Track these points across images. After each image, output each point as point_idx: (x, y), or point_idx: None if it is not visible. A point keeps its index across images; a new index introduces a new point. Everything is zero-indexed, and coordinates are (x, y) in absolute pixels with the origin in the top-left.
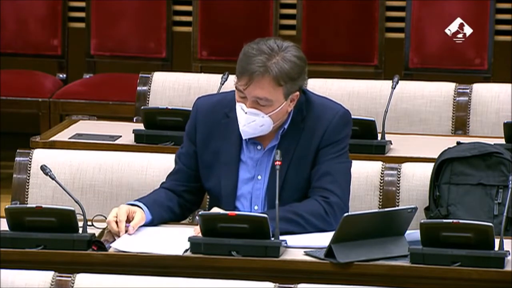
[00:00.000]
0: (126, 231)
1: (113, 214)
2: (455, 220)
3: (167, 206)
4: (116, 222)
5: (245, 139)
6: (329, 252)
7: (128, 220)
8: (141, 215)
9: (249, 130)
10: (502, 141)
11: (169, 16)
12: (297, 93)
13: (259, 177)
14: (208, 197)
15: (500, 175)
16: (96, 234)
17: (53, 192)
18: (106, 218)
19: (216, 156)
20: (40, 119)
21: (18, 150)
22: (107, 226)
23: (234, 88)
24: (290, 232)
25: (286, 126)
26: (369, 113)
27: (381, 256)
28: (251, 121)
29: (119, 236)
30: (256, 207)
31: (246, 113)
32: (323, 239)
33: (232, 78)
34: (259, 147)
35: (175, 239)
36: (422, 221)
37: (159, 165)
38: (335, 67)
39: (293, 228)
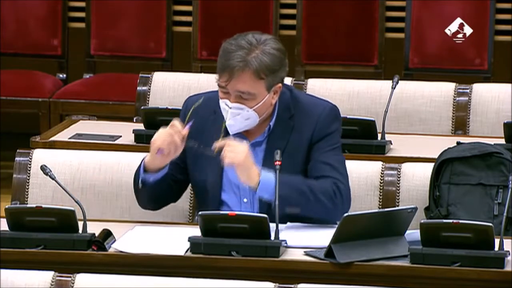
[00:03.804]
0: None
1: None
2: (455, 220)
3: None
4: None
5: (231, 134)
6: (329, 252)
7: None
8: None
9: (235, 124)
10: (502, 141)
11: (169, 16)
12: (280, 84)
13: None
14: (191, 199)
15: (500, 175)
16: (96, 234)
17: (53, 192)
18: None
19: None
20: (40, 119)
21: (18, 150)
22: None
23: None
24: (296, 203)
25: (271, 124)
26: (369, 113)
27: (381, 256)
28: (236, 115)
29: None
30: (245, 200)
31: (230, 108)
32: (323, 239)
33: None
34: (244, 142)
35: (175, 239)
36: (422, 221)
37: None
38: (335, 67)
39: (301, 200)
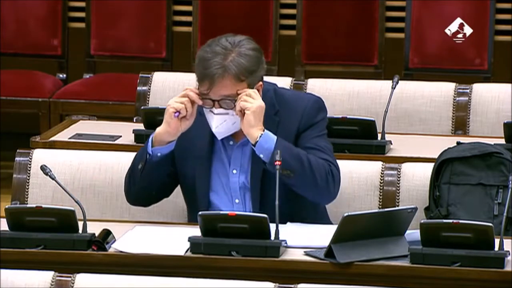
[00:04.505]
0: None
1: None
2: (455, 220)
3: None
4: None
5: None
6: (329, 252)
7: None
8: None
9: (222, 131)
10: (502, 141)
11: (169, 16)
12: (260, 83)
13: (234, 171)
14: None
15: (500, 175)
16: (96, 234)
17: (53, 192)
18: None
19: (190, 150)
20: (40, 119)
21: (18, 150)
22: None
23: None
24: (291, 168)
25: None
26: (369, 113)
27: (381, 256)
28: (223, 121)
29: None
30: (237, 201)
31: (216, 114)
32: (323, 239)
33: None
34: (231, 143)
35: (175, 239)
36: (422, 221)
37: None
38: (335, 67)
39: (296, 165)
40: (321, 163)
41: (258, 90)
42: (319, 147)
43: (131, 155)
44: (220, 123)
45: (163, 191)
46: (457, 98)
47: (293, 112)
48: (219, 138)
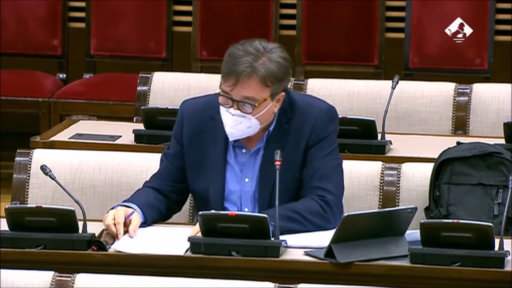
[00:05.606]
0: (125, 233)
1: (111, 217)
2: (455, 220)
3: (156, 207)
4: (115, 225)
5: (231, 142)
6: (329, 252)
7: (125, 223)
8: (137, 218)
9: (236, 132)
10: (502, 141)
11: (169, 16)
12: (283, 93)
13: (246, 179)
14: (191, 199)
15: (500, 175)
16: (96, 234)
17: (53, 192)
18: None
19: (203, 158)
20: (40, 119)
21: (18, 150)
22: (104, 229)
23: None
24: (290, 230)
25: (271, 129)
26: (369, 113)
27: (381, 256)
28: (238, 123)
29: (118, 239)
30: (246, 209)
31: (233, 115)
32: (323, 239)
33: None
34: (244, 151)
35: (175, 239)
36: (422, 221)
37: (159, 165)
38: (335, 67)
39: (293, 226)
40: (312, 207)
41: (278, 100)
42: (322, 171)
43: (131, 155)
44: (235, 124)
45: (170, 211)
46: (457, 98)
47: (305, 122)
48: (231, 139)
